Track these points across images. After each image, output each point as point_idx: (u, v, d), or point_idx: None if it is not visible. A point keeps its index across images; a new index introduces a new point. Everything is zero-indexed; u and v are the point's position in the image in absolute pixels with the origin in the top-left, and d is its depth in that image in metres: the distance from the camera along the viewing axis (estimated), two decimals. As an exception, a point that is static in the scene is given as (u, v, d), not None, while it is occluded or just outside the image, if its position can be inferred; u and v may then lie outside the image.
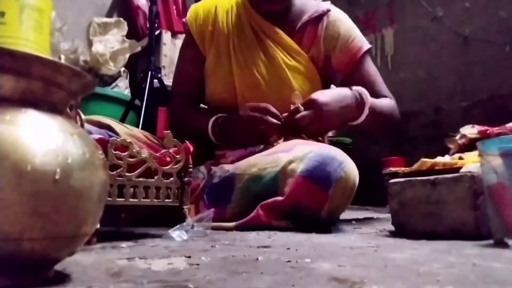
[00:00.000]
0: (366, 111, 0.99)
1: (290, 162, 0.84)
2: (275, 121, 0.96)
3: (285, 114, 0.96)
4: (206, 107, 1.19)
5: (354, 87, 1.00)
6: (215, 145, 1.10)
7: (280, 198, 0.82)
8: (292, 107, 0.96)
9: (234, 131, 1.01)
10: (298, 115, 0.93)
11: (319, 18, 1.11)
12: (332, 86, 1.19)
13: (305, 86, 1.07)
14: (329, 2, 1.15)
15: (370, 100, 0.99)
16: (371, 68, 1.12)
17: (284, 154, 0.87)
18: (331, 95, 0.97)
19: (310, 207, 0.81)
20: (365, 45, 1.11)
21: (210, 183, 0.93)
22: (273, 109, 0.97)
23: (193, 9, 1.16)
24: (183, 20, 1.17)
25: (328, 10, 1.12)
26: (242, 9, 1.11)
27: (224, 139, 1.05)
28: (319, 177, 0.81)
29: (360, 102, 0.98)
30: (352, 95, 0.98)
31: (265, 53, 1.08)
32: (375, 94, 1.06)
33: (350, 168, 0.83)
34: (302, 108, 0.94)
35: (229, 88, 1.08)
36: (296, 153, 0.85)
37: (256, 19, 1.10)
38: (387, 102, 1.08)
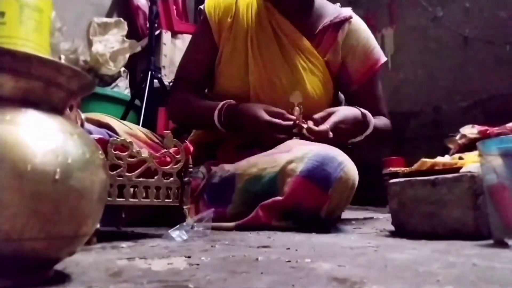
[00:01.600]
0: (367, 133, 1.02)
1: (290, 162, 0.84)
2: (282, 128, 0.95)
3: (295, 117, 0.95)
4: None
5: (362, 109, 1.02)
6: (215, 146, 1.11)
7: (279, 198, 0.82)
8: (294, 110, 0.97)
9: (242, 125, 0.99)
10: (318, 129, 0.93)
11: (340, 23, 1.10)
12: (340, 94, 1.21)
13: (319, 90, 1.07)
14: (350, 9, 1.15)
15: (373, 122, 1.03)
16: (380, 84, 1.15)
17: (284, 154, 0.87)
18: (346, 115, 0.98)
19: (309, 207, 0.81)
20: (382, 57, 1.13)
21: (211, 182, 0.93)
22: (288, 116, 0.95)
23: (210, 1, 1.13)
24: (200, 7, 1.14)
25: (350, 17, 1.11)
26: (262, 6, 1.10)
27: (231, 129, 1.02)
28: (318, 177, 0.81)
29: (364, 124, 1.02)
30: (360, 116, 1.01)
31: (283, 53, 1.07)
32: (378, 111, 1.11)
33: (349, 168, 0.83)
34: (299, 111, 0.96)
35: (242, 84, 1.06)
36: (296, 153, 0.85)
37: (276, 18, 1.09)
38: (384, 122, 1.11)
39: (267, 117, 0.94)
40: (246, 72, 1.06)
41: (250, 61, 1.06)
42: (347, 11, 1.13)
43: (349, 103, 1.16)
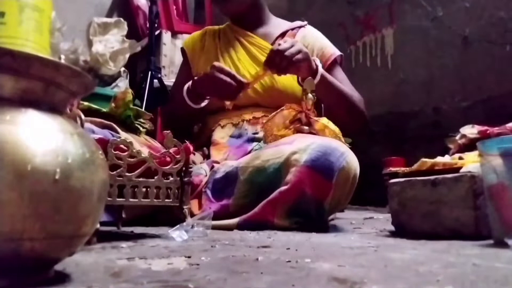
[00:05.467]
0: (319, 75, 1.04)
1: (293, 153, 0.86)
2: (232, 82, 1.02)
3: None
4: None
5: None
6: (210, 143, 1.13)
7: (285, 187, 0.83)
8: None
9: (202, 88, 1.10)
10: (286, 45, 0.98)
11: (297, 28, 1.28)
12: None
13: (285, 78, 1.14)
14: (306, 22, 1.32)
15: (322, 70, 1.07)
16: (341, 73, 1.24)
17: (287, 146, 0.89)
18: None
19: (314, 197, 0.83)
20: (336, 51, 1.25)
21: (214, 178, 0.94)
22: (237, 76, 1.04)
23: (187, 38, 1.39)
24: (181, 47, 1.37)
25: (306, 24, 1.30)
26: (228, 29, 1.31)
27: (196, 98, 1.12)
28: (322, 167, 0.83)
29: (316, 65, 1.05)
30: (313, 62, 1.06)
31: (248, 53, 1.23)
32: None
33: (351, 159, 0.86)
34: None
35: None
36: (299, 145, 0.87)
37: (239, 32, 1.27)
38: (349, 89, 1.17)
39: (213, 72, 1.04)
40: None
41: (222, 63, 1.18)
42: (302, 22, 1.31)
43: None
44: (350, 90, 1.19)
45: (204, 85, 1.09)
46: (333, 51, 1.25)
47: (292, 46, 0.98)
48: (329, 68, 1.22)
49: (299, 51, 0.98)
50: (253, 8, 1.26)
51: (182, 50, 1.36)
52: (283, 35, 1.26)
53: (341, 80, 1.23)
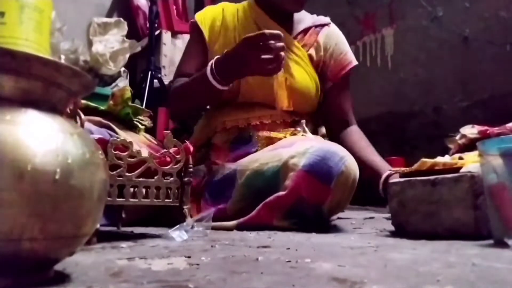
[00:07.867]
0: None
1: (292, 157, 0.85)
2: (279, 44, 0.92)
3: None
4: None
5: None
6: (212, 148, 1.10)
7: (282, 193, 0.83)
8: None
9: (237, 65, 0.97)
10: None
11: (320, 26, 1.22)
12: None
13: (303, 77, 1.12)
14: (329, 18, 1.26)
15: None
16: (348, 92, 1.23)
17: (286, 149, 0.88)
18: None
19: (312, 201, 0.82)
20: (354, 61, 1.22)
21: (212, 180, 0.94)
22: (272, 31, 0.93)
23: (201, 12, 1.24)
24: (191, 20, 1.23)
25: (329, 23, 1.24)
26: (248, 10, 1.19)
27: (227, 78, 1.00)
28: (320, 171, 0.82)
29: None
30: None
31: None
32: (346, 122, 1.19)
33: (350, 163, 0.84)
34: None
35: None
36: (298, 148, 0.86)
37: (261, 18, 1.16)
38: (366, 143, 1.15)
39: (247, 37, 0.93)
40: None
41: None
42: (326, 19, 1.25)
43: (323, 101, 1.21)
44: (368, 144, 1.13)
45: (242, 62, 0.94)
46: (351, 59, 1.20)
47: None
48: (342, 80, 1.18)
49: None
50: None
51: (195, 27, 1.19)
52: (305, 31, 1.19)
53: (349, 101, 1.21)
